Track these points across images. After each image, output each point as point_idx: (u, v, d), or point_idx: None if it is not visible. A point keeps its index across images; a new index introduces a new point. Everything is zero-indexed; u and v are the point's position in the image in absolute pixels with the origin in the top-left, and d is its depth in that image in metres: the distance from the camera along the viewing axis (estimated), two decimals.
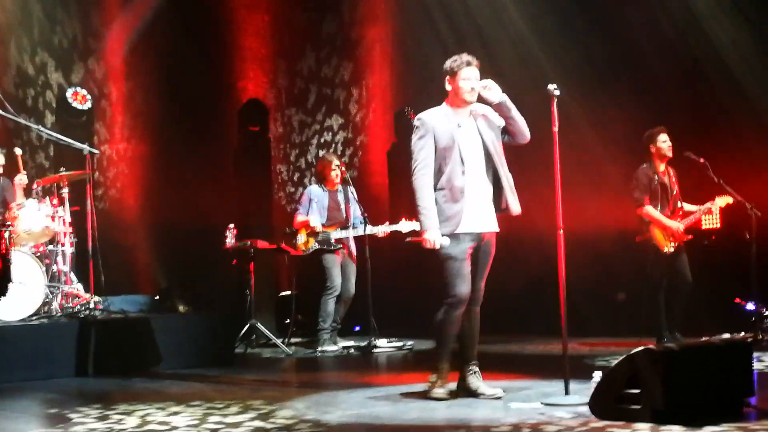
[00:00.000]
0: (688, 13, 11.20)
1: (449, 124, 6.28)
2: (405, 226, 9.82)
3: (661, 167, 9.38)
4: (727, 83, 10.99)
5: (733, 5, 11.02)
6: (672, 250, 9.26)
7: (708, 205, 9.39)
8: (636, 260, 9.63)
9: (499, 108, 6.30)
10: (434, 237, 6.17)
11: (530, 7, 11.99)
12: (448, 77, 6.34)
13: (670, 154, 9.34)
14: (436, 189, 6.26)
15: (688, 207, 9.46)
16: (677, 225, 9.25)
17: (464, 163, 6.24)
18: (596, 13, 11.50)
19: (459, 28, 12.27)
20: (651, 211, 9.26)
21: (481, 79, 6.30)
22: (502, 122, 6.36)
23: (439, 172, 6.26)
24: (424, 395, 6.33)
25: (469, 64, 6.29)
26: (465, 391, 6.35)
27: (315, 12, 13.42)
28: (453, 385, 6.40)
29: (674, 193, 9.39)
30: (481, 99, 6.34)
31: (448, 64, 6.34)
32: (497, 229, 6.39)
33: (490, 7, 12.18)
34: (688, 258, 9.41)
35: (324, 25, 13.44)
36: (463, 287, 6.21)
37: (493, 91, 6.25)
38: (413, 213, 6.72)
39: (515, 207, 6.34)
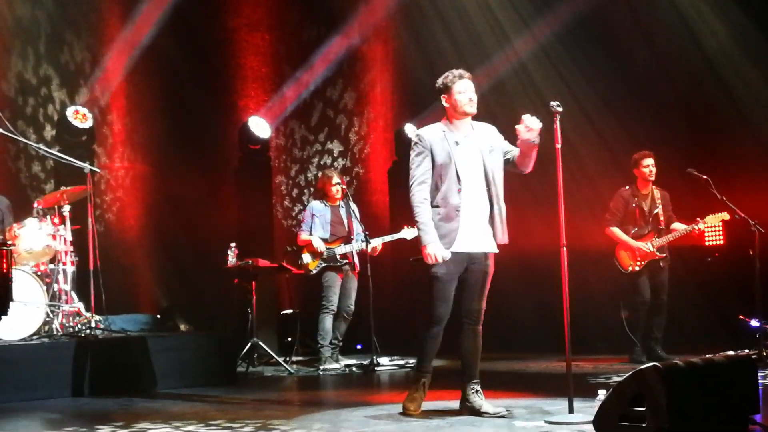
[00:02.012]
0: (688, 33, 11.22)
1: (447, 141, 6.30)
2: (408, 233, 10.01)
3: (646, 190, 9.83)
4: (728, 103, 11.03)
5: (734, 29, 11.05)
6: (637, 269, 9.72)
7: (692, 226, 9.64)
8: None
9: (526, 144, 6.21)
10: (435, 250, 6.19)
11: (532, 28, 12.00)
12: (443, 95, 6.36)
13: (651, 178, 9.79)
14: (432, 206, 6.29)
15: (679, 227, 9.77)
16: (645, 246, 9.69)
17: (460, 182, 6.25)
18: (598, 35, 11.51)
19: (460, 46, 12.28)
20: (616, 231, 9.80)
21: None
22: (503, 146, 6.40)
23: (435, 190, 6.29)
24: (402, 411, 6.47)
25: (461, 76, 6.32)
26: (468, 410, 6.32)
27: (316, 30, 13.42)
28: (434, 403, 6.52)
29: (655, 213, 9.77)
30: (474, 117, 6.40)
31: (440, 81, 6.38)
32: (494, 250, 6.39)
33: (491, 27, 12.19)
34: (694, 274, 10.02)
35: (326, 42, 13.44)
36: (444, 308, 6.32)
37: (535, 131, 6.14)
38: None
39: (501, 238, 6.36)
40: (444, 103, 6.39)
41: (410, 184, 6.34)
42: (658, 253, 9.69)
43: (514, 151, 6.37)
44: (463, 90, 6.29)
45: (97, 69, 11.76)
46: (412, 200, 6.31)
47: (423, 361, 6.54)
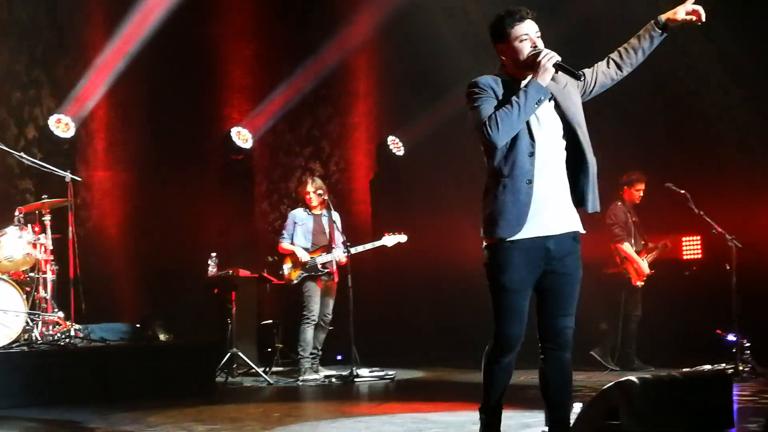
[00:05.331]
0: (676, 51, 11.28)
1: (511, 90, 4.69)
2: (388, 240, 10.05)
3: (633, 207, 10.26)
4: (709, 119, 11.12)
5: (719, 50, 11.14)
6: (642, 284, 10.08)
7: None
8: (609, 291, 10.09)
9: (675, 22, 4.97)
10: (546, 58, 4.63)
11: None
12: (499, 44, 4.79)
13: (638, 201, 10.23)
14: (494, 176, 4.70)
15: (651, 244, 10.26)
16: (644, 263, 10.07)
17: (535, 143, 4.66)
18: (588, 46, 11.53)
19: (444, 59, 12.31)
20: (626, 248, 10.05)
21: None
22: (578, 83, 4.89)
23: (500, 156, 4.67)
24: None
25: (522, 18, 4.73)
26: None
27: (302, 41, 13.39)
28: None
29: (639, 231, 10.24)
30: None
31: (494, 26, 4.79)
32: (581, 230, 4.85)
33: (476, 39, 12.24)
34: (672, 287, 10.49)
35: (311, 54, 13.42)
36: (516, 328, 4.84)
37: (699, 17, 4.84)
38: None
39: (593, 205, 4.80)
40: (500, 54, 4.82)
41: (482, 127, 4.60)
42: (648, 270, 10.12)
43: (614, 55, 5.06)
44: (525, 35, 4.71)
45: (82, 78, 11.70)
46: (486, 129, 4.58)
47: (489, 396, 5.04)
